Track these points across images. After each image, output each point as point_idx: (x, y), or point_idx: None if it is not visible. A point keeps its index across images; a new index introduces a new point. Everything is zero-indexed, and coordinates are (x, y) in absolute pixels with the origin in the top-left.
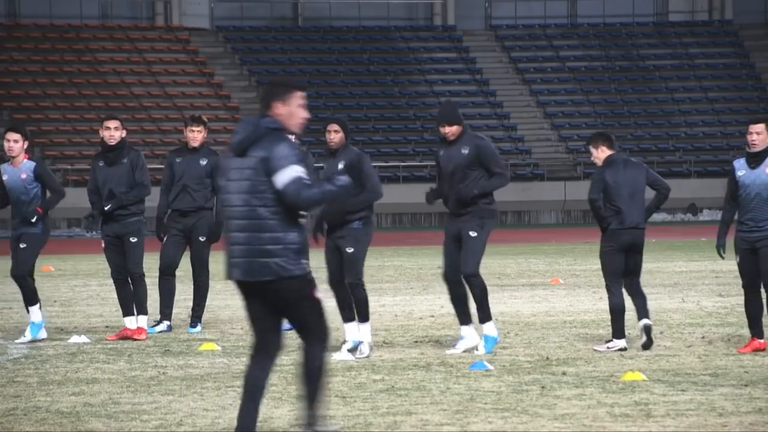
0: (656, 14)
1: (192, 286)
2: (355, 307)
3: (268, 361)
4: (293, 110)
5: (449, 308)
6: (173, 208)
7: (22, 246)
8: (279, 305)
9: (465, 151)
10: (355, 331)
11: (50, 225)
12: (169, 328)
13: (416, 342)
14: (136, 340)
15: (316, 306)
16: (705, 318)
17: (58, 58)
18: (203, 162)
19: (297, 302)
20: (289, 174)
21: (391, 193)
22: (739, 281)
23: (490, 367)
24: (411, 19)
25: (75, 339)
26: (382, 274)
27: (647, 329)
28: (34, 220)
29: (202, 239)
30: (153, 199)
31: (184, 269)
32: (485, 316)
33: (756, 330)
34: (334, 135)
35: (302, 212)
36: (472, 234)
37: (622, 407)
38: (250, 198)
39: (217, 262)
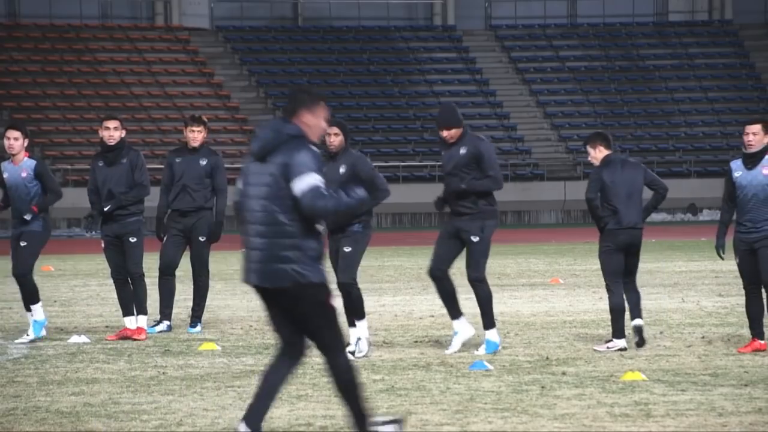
0: (656, 14)
1: (192, 286)
2: (352, 306)
3: (288, 364)
4: (318, 121)
5: None
6: (173, 208)
7: (22, 244)
8: (295, 312)
9: (463, 151)
10: (355, 333)
11: (51, 224)
12: (169, 328)
13: (416, 342)
14: (135, 340)
15: (331, 314)
16: (705, 318)
17: (57, 58)
18: (203, 162)
19: (313, 309)
20: (307, 182)
21: (391, 193)
22: (739, 281)
23: (490, 367)
24: (411, 19)
25: (75, 339)
26: (382, 274)
27: (638, 330)
28: (28, 217)
29: (202, 239)
30: (153, 199)
31: (184, 269)
32: (489, 322)
33: (757, 331)
34: (334, 138)
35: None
36: (474, 239)
37: (622, 407)
38: (269, 204)
39: (217, 262)
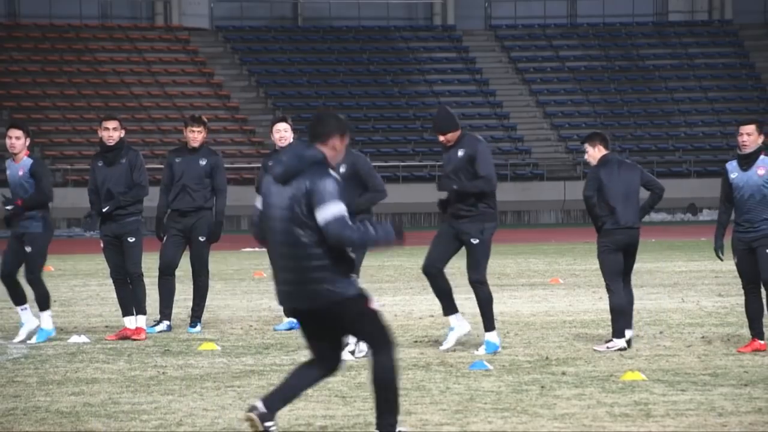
0: (656, 14)
1: (192, 286)
2: None
3: (321, 374)
4: (344, 147)
5: None
6: (173, 208)
7: (27, 249)
8: (338, 326)
9: (461, 153)
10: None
11: (52, 224)
12: (169, 328)
13: (416, 342)
14: (135, 340)
15: (375, 318)
16: (705, 318)
17: (57, 58)
18: (203, 162)
19: (355, 319)
20: (332, 211)
21: (391, 193)
22: (739, 281)
23: (490, 367)
24: (411, 19)
25: (75, 339)
26: (382, 274)
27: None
28: (9, 207)
29: (201, 239)
30: (152, 199)
31: (184, 269)
32: (489, 324)
33: (756, 331)
34: None
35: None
36: (474, 241)
37: (621, 407)
38: (292, 226)
39: (217, 262)
